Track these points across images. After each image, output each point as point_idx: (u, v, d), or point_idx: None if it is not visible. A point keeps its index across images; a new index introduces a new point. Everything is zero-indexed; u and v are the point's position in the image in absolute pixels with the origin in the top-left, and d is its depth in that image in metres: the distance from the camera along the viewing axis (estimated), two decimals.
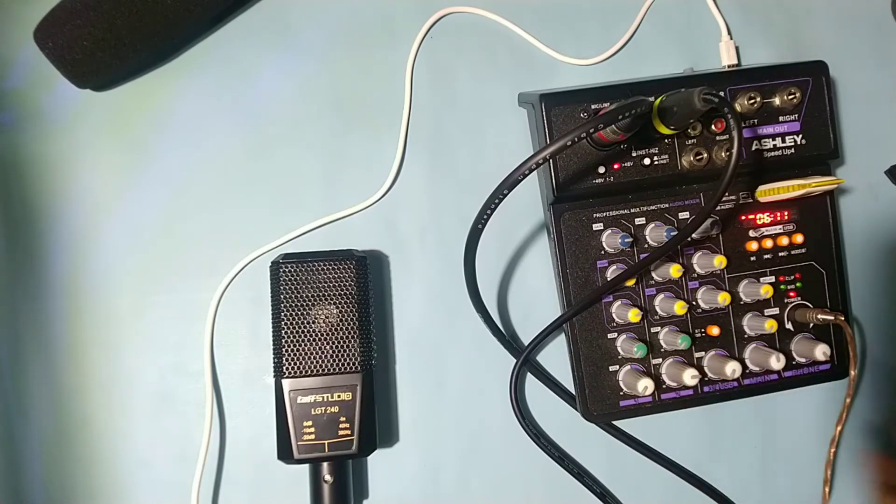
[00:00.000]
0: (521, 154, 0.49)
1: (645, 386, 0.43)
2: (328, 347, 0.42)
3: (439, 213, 0.49)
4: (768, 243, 0.47)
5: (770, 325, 0.45)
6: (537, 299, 0.49)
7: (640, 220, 0.46)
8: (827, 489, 0.50)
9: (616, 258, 0.46)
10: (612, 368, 0.46)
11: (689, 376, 0.43)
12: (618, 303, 0.45)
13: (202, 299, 0.47)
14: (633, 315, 0.43)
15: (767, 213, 0.47)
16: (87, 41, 0.42)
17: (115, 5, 0.42)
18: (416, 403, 0.48)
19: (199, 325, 0.47)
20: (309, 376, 0.42)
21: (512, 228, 0.50)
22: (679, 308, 0.44)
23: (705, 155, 0.45)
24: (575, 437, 0.49)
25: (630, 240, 0.44)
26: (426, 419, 0.48)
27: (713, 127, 0.45)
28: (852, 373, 0.46)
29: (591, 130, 0.35)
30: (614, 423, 0.49)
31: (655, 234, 0.45)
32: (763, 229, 0.47)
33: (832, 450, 0.50)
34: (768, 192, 0.46)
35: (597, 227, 0.46)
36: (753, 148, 0.46)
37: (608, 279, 0.45)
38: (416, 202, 0.49)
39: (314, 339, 0.42)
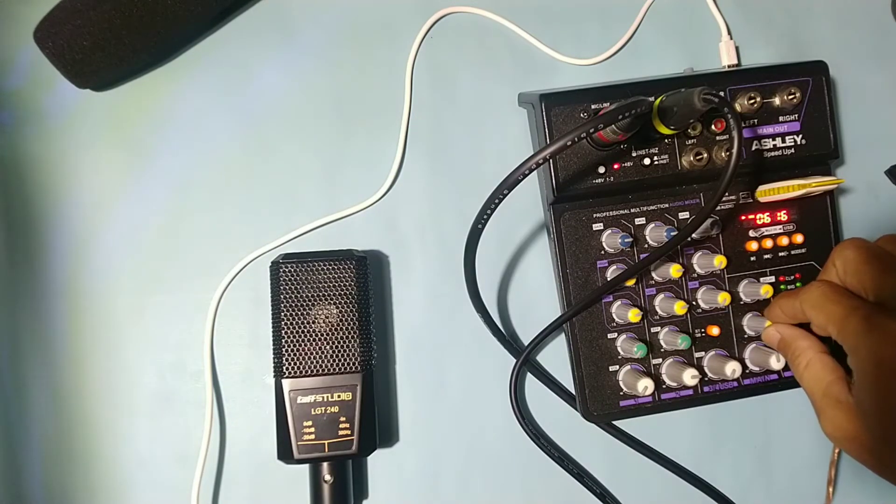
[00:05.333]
0: (521, 154, 0.49)
1: (645, 386, 0.43)
2: (328, 347, 0.42)
3: (439, 213, 0.49)
4: (768, 243, 0.47)
5: (770, 326, 0.45)
6: (537, 299, 0.49)
7: (640, 220, 0.46)
8: (831, 489, 0.50)
9: (616, 258, 0.46)
10: (612, 368, 0.46)
11: (689, 376, 0.43)
12: (618, 303, 0.45)
13: (202, 299, 0.47)
14: (633, 315, 0.43)
15: (767, 213, 0.47)
16: (87, 41, 0.42)
17: (115, 5, 0.42)
18: (416, 403, 0.48)
19: (199, 325, 0.47)
20: (309, 376, 0.42)
21: (512, 228, 0.50)
22: (679, 308, 0.44)
23: (705, 155, 0.45)
24: (575, 437, 0.49)
25: (630, 240, 0.44)
26: (426, 419, 0.48)
27: (713, 127, 0.45)
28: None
29: (591, 130, 0.35)
30: (614, 423, 0.49)
31: (655, 234, 0.45)
32: (763, 229, 0.47)
33: (836, 450, 0.50)
34: (768, 192, 0.46)
35: (597, 227, 0.46)
36: (753, 148, 0.46)
37: (608, 279, 0.45)
38: (416, 202, 0.49)
39: (314, 339, 0.42)
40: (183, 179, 0.47)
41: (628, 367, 0.45)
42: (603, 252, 0.46)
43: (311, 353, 0.42)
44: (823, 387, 0.36)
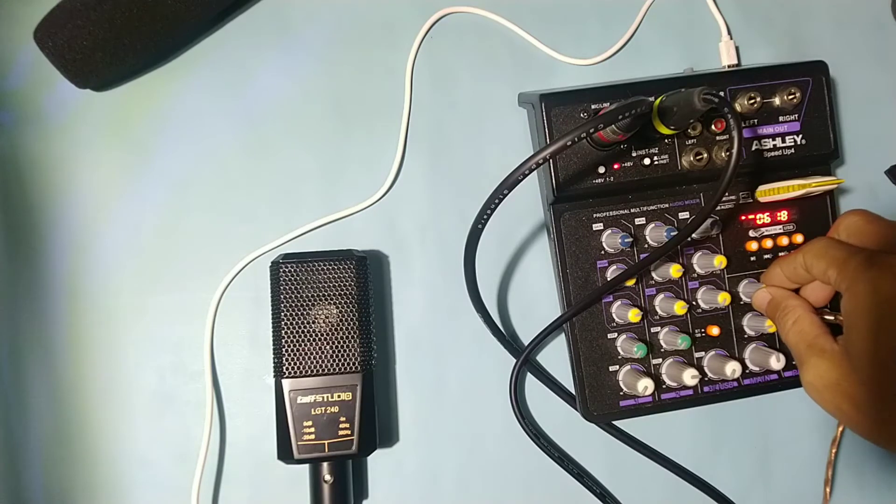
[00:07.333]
0: (521, 154, 0.49)
1: (645, 386, 0.43)
2: (328, 347, 0.42)
3: (439, 213, 0.49)
4: (768, 243, 0.47)
5: (770, 325, 0.45)
6: (537, 299, 0.49)
7: (640, 220, 0.46)
8: (828, 489, 0.50)
9: (616, 258, 0.46)
10: (612, 368, 0.46)
11: (689, 376, 0.43)
12: (618, 303, 0.45)
13: (202, 299, 0.47)
14: (633, 315, 0.43)
15: (767, 213, 0.47)
16: (87, 41, 0.42)
17: (114, 5, 0.42)
18: (416, 403, 0.48)
19: (199, 325, 0.47)
20: (309, 376, 0.42)
21: (512, 228, 0.50)
22: (679, 308, 0.44)
23: (705, 155, 0.45)
24: (575, 437, 0.49)
25: (630, 240, 0.44)
26: (426, 419, 0.48)
27: (713, 127, 0.45)
28: None
29: (591, 130, 0.35)
30: (614, 423, 0.49)
31: (655, 234, 0.45)
32: (763, 229, 0.47)
33: (833, 450, 0.50)
34: (768, 192, 0.46)
35: (597, 227, 0.46)
36: (753, 148, 0.46)
37: (608, 279, 0.45)
38: (416, 202, 0.49)
39: (314, 339, 0.42)
40: (183, 179, 0.47)
41: (628, 367, 0.45)
42: (603, 252, 0.46)
43: (311, 353, 0.42)
44: (809, 339, 0.36)
